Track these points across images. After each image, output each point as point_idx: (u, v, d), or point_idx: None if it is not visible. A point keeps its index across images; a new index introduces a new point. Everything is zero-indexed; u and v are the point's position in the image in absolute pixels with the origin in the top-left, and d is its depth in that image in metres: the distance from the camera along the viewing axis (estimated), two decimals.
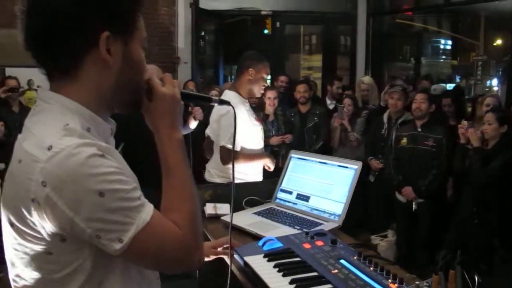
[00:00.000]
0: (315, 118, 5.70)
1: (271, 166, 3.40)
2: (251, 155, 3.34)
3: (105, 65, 1.06)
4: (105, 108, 1.12)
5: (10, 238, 1.05)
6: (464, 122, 4.27)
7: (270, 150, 5.27)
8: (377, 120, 5.42)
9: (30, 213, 0.97)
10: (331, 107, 6.32)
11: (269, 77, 5.02)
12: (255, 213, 2.43)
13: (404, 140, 4.68)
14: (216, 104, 1.41)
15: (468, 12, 10.52)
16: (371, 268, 1.62)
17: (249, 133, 3.32)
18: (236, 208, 2.50)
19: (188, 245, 1.08)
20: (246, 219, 2.33)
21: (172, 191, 1.13)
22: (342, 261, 1.69)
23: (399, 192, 4.72)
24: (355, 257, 1.72)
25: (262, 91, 3.52)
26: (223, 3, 8.36)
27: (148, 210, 1.02)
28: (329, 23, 8.76)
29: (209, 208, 2.46)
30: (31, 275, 1.04)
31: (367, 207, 5.54)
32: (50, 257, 1.01)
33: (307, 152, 2.72)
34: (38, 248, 1.01)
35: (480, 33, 11.12)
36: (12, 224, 1.03)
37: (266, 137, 5.02)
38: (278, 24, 8.57)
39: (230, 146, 3.13)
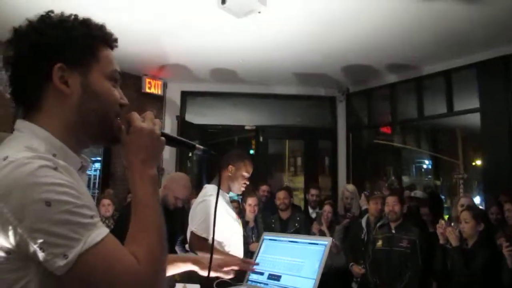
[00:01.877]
0: (296, 224, 5.67)
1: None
2: (224, 253, 3.22)
3: (63, 96, 1.10)
4: (74, 139, 1.13)
5: None
6: (442, 222, 4.30)
7: (249, 256, 5.17)
8: (356, 225, 5.42)
9: None
10: (313, 215, 6.32)
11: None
12: None
13: (380, 243, 4.67)
14: (200, 153, 1.35)
15: (444, 129, 10.88)
16: None
17: (227, 225, 3.28)
18: None
19: (144, 280, 1.01)
20: None
21: (137, 224, 1.09)
22: None
23: None
24: None
25: (243, 189, 3.51)
26: (208, 118, 8.67)
27: (102, 232, 0.97)
28: (311, 138, 9.00)
29: None
30: None
31: None
32: None
33: (279, 233, 2.71)
34: None
35: (458, 151, 11.45)
36: None
37: (246, 243, 4.97)
38: (261, 138, 8.81)
39: (199, 233, 3.11)
